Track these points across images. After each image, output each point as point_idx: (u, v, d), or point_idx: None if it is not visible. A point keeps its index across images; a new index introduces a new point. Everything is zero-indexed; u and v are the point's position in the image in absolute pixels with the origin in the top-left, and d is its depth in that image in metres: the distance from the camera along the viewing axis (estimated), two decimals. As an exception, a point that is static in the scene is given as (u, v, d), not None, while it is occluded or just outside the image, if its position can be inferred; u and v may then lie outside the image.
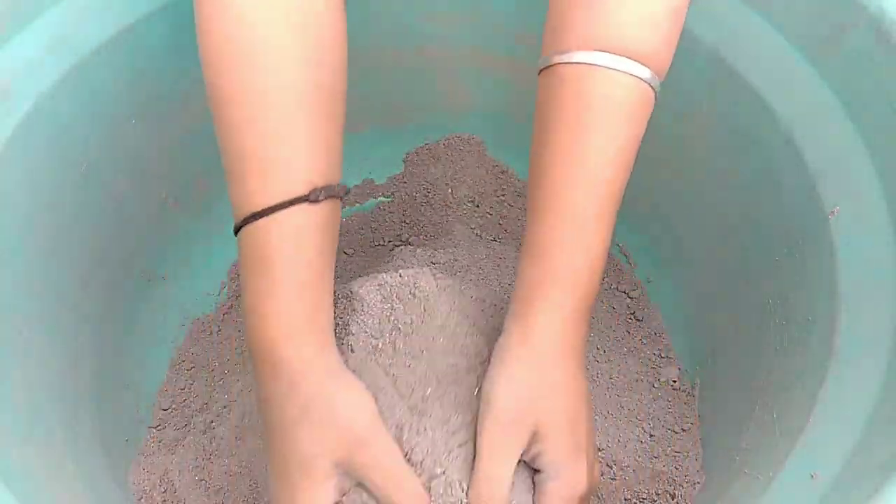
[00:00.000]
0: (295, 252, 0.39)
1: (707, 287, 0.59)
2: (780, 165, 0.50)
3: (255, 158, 0.39)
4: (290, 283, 0.39)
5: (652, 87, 0.41)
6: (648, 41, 0.40)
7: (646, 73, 0.40)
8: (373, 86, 0.66)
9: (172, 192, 0.60)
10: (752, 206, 0.53)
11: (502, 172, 0.70)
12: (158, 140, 0.57)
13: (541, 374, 0.40)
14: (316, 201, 0.39)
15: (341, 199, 0.42)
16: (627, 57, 0.40)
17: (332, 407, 0.39)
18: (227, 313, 0.65)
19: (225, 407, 0.59)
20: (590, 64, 0.40)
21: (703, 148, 0.53)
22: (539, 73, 0.42)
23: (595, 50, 0.40)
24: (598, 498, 0.54)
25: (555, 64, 0.41)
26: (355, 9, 0.60)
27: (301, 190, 0.39)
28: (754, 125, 0.51)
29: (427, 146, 0.69)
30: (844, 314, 0.43)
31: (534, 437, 0.40)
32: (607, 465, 0.55)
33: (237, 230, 0.41)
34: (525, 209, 0.69)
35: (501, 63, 0.65)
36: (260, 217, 0.39)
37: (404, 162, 0.70)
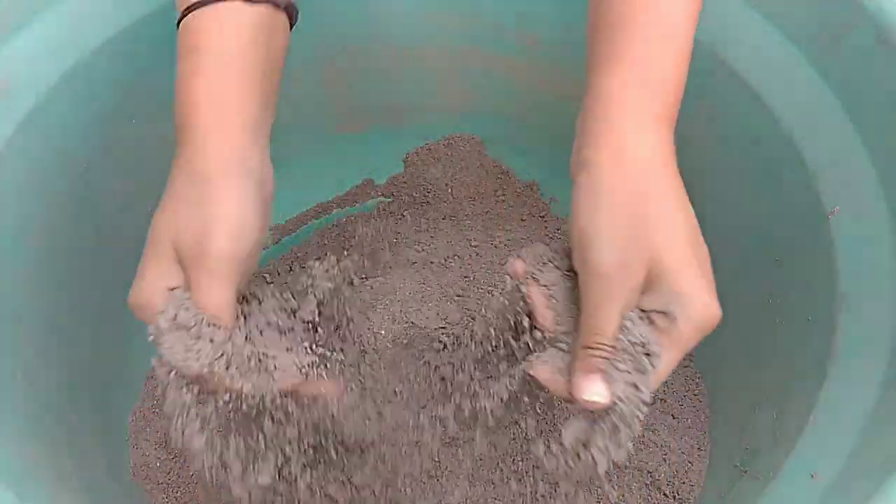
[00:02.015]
0: (224, 39, 0.38)
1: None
2: (780, 165, 0.50)
3: None
4: (217, 64, 0.38)
5: None
6: None
7: None
8: (373, 86, 0.66)
9: (172, 192, 0.60)
10: (752, 206, 0.53)
11: (502, 172, 0.70)
12: (158, 140, 0.57)
13: (646, 199, 0.34)
14: (252, 0, 0.39)
15: (289, 14, 0.41)
16: None
17: (200, 203, 0.37)
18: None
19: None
20: None
21: (703, 148, 0.53)
22: None
23: None
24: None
25: None
26: (355, 9, 0.60)
27: None
28: (754, 125, 0.51)
29: (427, 146, 0.69)
30: (844, 314, 0.43)
31: (648, 276, 0.34)
32: None
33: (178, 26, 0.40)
34: (525, 208, 0.69)
35: (501, 63, 0.65)
36: (196, 8, 0.39)
37: (404, 162, 0.70)
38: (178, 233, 0.38)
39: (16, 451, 0.42)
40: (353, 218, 0.72)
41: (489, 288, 0.63)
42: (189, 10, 0.39)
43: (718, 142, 0.54)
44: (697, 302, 0.34)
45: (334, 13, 0.58)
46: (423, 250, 0.67)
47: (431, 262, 0.65)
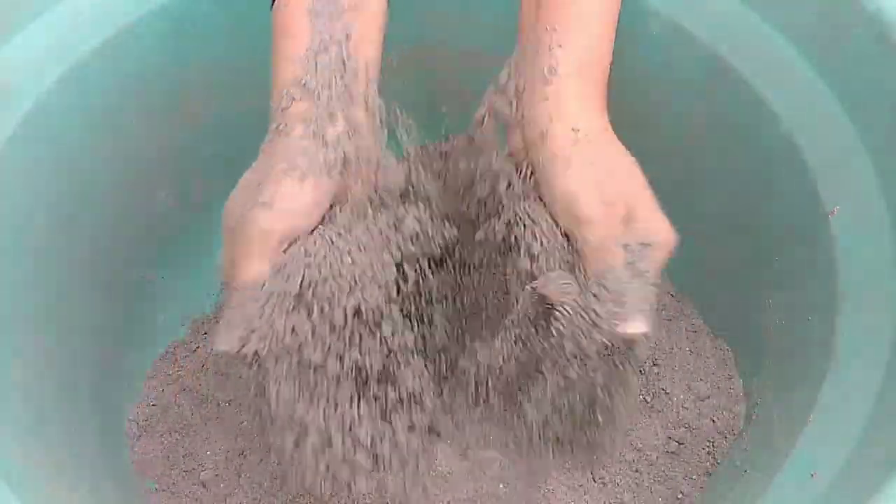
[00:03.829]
0: (318, 16, 0.41)
1: (707, 287, 0.59)
2: (780, 165, 0.50)
3: None
4: (312, 41, 0.41)
5: None
6: None
7: None
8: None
9: (172, 192, 0.60)
10: (752, 206, 0.53)
11: (502, 172, 0.70)
12: (158, 140, 0.57)
13: (608, 159, 0.41)
14: None
15: None
16: None
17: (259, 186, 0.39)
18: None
19: (225, 404, 0.59)
20: None
21: (703, 148, 0.53)
22: None
23: None
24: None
25: None
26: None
27: None
28: (754, 125, 0.51)
29: (427, 146, 0.69)
30: (844, 314, 0.43)
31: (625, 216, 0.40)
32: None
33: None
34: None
35: (501, 63, 0.65)
36: None
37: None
38: (230, 210, 0.40)
39: (16, 451, 0.42)
40: (353, 218, 0.72)
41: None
42: None
43: (718, 142, 0.54)
44: (666, 232, 0.40)
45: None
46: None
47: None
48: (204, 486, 0.56)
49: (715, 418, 0.56)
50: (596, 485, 0.54)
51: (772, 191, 0.51)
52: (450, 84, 0.67)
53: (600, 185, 0.40)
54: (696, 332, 0.60)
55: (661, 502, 0.54)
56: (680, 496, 0.54)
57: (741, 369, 0.56)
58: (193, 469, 0.57)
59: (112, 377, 0.57)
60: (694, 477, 0.54)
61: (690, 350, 0.59)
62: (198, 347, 0.63)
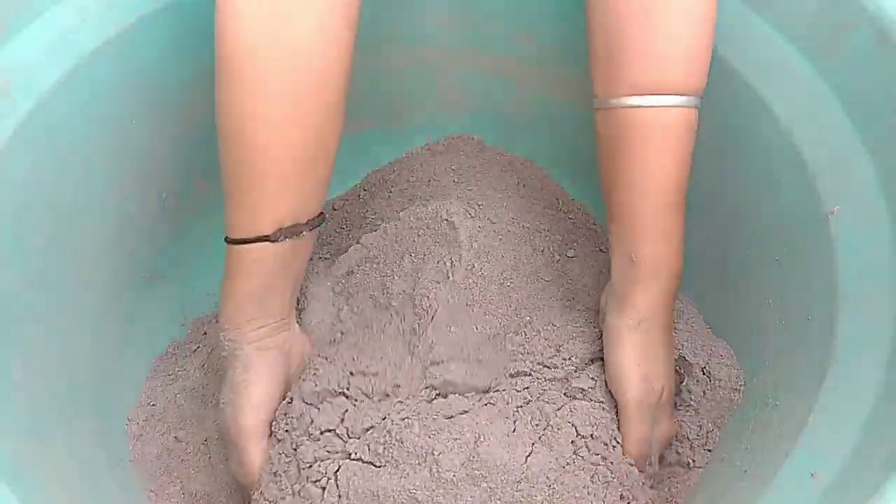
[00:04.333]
0: (249, 274, 0.49)
1: (707, 287, 0.59)
2: (780, 165, 0.50)
3: (237, 193, 0.47)
4: (243, 292, 0.50)
5: (697, 106, 0.48)
6: (693, 73, 0.47)
7: (692, 100, 0.48)
8: (373, 86, 0.66)
9: (172, 192, 0.60)
10: (751, 206, 0.53)
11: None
12: (158, 140, 0.57)
13: (655, 349, 0.52)
14: (276, 241, 0.48)
15: (314, 228, 0.50)
16: (675, 94, 0.47)
17: (247, 392, 0.51)
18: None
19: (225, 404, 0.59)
20: (643, 107, 0.47)
21: (703, 148, 0.53)
22: (596, 111, 0.50)
23: (646, 94, 0.47)
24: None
25: (611, 108, 0.48)
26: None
27: (266, 230, 0.48)
28: (754, 125, 0.51)
29: (427, 146, 0.69)
30: (844, 314, 0.43)
31: None
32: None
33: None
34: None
35: (501, 63, 0.65)
36: (231, 243, 0.49)
37: (404, 162, 0.70)
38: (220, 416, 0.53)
39: (16, 451, 0.42)
40: (353, 218, 0.72)
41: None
42: (228, 240, 0.49)
43: (718, 142, 0.54)
44: (671, 418, 0.54)
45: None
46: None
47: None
48: (204, 486, 0.56)
49: None
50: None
51: (771, 191, 0.51)
52: (450, 84, 0.67)
53: (654, 372, 0.51)
54: (696, 331, 0.60)
55: (660, 502, 0.54)
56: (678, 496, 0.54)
57: (741, 368, 0.56)
58: (193, 469, 0.57)
59: (112, 377, 0.57)
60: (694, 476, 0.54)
61: (691, 350, 0.59)
62: (198, 347, 0.63)
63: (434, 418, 0.49)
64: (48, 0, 0.47)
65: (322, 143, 0.47)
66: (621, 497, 0.49)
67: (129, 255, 0.58)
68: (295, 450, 0.49)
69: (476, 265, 0.56)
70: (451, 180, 0.63)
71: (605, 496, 0.48)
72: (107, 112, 0.52)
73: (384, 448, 0.48)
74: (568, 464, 0.49)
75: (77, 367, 0.52)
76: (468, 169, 0.64)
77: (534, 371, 0.53)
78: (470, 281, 0.55)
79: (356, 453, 0.48)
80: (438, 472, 0.47)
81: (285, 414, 0.51)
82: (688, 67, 0.47)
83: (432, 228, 0.58)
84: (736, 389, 0.54)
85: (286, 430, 0.50)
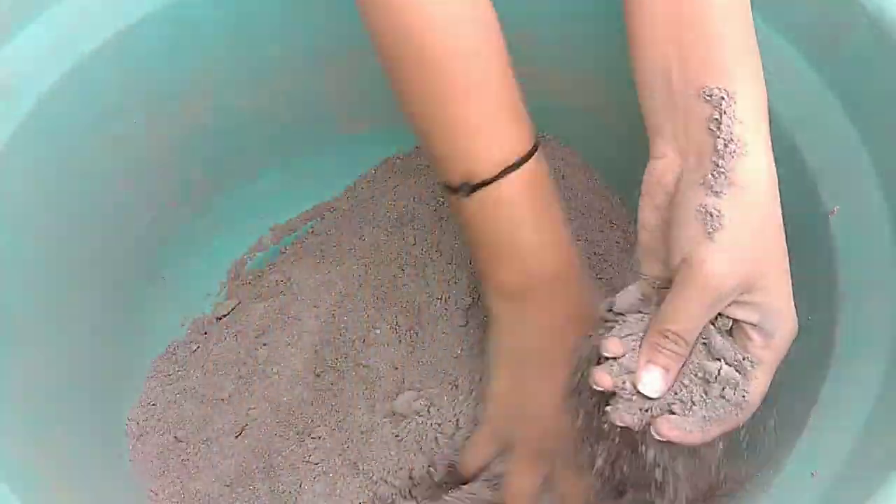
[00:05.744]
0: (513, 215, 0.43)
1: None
2: (780, 165, 0.49)
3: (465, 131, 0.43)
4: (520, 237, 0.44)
5: None
6: None
7: None
8: (373, 86, 0.66)
9: (172, 192, 0.60)
10: (752, 206, 0.53)
11: (502, 172, 0.70)
12: (158, 140, 0.57)
13: (765, 221, 0.37)
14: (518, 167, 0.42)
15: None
16: None
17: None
18: (227, 314, 0.65)
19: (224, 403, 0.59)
20: None
21: (703, 148, 0.53)
22: None
23: None
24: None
25: None
26: (356, 9, 0.60)
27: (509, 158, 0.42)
28: (754, 125, 0.51)
29: (427, 146, 0.69)
30: (844, 314, 0.43)
31: (744, 285, 0.36)
32: None
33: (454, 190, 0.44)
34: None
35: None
36: (478, 188, 0.43)
37: (404, 162, 0.70)
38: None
39: (16, 451, 0.42)
40: (353, 218, 0.71)
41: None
42: (473, 189, 0.43)
43: (718, 142, 0.54)
44: (791, 320, 0.37)
45: (335, 13, 0.58)
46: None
47: (432, 261, 0.65)
48: (204, 486, 0.56)
49: None
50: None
51: (772, 191, 0.51)
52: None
53: (751, 245, 0.36)
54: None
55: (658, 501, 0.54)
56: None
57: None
58: (193, 469, 0.57)
59: (112, 377, 0.57)
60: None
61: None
62: (198, 347, 0.63)
63: None
64: (48, 0, 0.47)
65: None
66: None
67: (129, 255, 0.58)
68: None
69: None
70: None
71: None
72: (107, 112, 0.51)
73: None
74: None
75: (77, 367, 0.52)
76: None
77: None
78: None
79: None
80: None
81: None
82: None
83: None
84: None
85: None
